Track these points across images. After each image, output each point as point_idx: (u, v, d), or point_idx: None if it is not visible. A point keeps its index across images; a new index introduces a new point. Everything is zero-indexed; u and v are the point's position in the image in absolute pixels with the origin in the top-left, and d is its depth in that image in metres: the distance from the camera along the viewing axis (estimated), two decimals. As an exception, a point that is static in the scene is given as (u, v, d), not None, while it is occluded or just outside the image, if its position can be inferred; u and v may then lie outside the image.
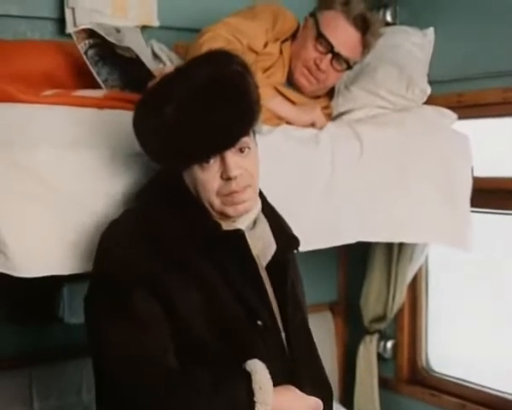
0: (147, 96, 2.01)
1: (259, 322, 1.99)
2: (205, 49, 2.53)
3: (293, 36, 3.03)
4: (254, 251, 2.03)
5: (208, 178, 1.94)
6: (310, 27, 2.94)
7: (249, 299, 1.98)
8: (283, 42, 3.00)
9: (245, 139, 1.94)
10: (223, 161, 1.92)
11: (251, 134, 1.99)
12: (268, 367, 1.90)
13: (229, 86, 1.91)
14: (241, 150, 1.95)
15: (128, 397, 1.85)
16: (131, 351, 1.86)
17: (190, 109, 1.87)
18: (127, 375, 1.86)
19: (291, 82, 3.00)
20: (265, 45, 2.92)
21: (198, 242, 1.97)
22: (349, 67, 2.97)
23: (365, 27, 2.91)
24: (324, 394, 2.15)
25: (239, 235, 2.01)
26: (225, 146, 1.91)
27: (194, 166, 1.94)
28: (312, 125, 2.78)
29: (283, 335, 2.06)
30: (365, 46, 2.97)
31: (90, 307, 1.99)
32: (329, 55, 2.90)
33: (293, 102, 2.89)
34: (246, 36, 2.79)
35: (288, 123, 2.76)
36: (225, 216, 2.00)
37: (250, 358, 1.88)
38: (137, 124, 2.00)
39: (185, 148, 1.90)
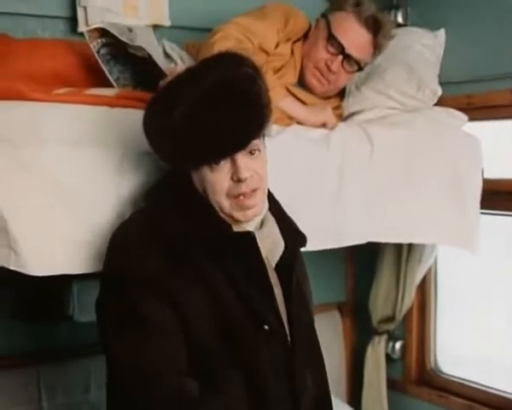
0: (157, 97, 2.01)
1: (266, 326, 1.99)
2: (216, 48, 2.55)
3: (305, 36, 3.02)
4: (263, 251, 2.03)
5: (218, 179, 1.94)
6: (321, 28, 2.94)
7: (256, 303, 1.99)
8: (295, 42, 2.99)
9: (255, 142, 1.95)
10: (233, 163, 1.92)
11: (261, 137, 1.99)
12: (271, 372, 1.95)
13: (239, 89, 1.91)
14: (252, 153, 1.95)
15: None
16: (143, 364, 1.88)
17: (201, 112, 1.87)
18: (137, 390, 1.89)
19: (302, 83, 2.99)
20: (277, 46, 2.91)
21: (207, 243, 1.97)
22: (360, 68, 2.96)
23: (377, 29, 2.90)
24: (323, 395, 2.20)
25: (250, 237, 2.01)
26: (236, 149, 1.91)
27: (204, 167, 1.94)
28: (323, 125, 2.78)
29: (289, 337, 2.06)
30: (376, 47, 2.96)
31: (101, 310, 2.01)
32: (340, 57, 2.89)
33: (304, 103, 2.88)
34: (257, 36, 2.79)
35: (299, 123, 2.76)
36: (234, 219, 2.00)
37: (253, 363, 1.92)
38: (147, 124, 2.00)
39: (195, 150, 1.91)
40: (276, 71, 2.89)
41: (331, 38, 2.89)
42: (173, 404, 1.88)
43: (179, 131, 1.89)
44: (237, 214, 1.98)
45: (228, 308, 1.95)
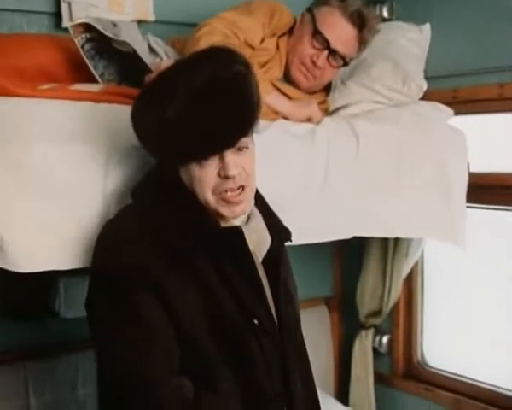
0: (147, 92, 1.99)
1: (255, 321, 1.99)
2: (202, 43, 2.57)
3: (290, 31, 3.03)
4: (250, 246, 2.03)
5: (205, 175, 1.93)
6: (306, 23, 2.94)
7: (246, 298, 1.99)
8: (280, 37, 3.00)
9: (244, 139, 1.95)
10: (221, 160, 1.92)
11: (250, 134, 1.98)
12: (264, 367, 1.96)
13: (231, 87, 1.90)
14: (240, 149, 1.95)
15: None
16: (140, 364, 1.88)
17: (192, 110, 1.86)
18: (135, 390, 1.88)
19: (287, 77, 2.99)
20: (262, 40, 2.92)
21: (197, 239, 1.96)
22: (345, 63, 2.97)
23: (362, 23, 2.92)
24: (310, 394, 2.21)
25: (237, 232, 2.00)
26: (225, 146, 1.91)
27: (192, 163, 1.93)
28: (309, 119, 2.78)
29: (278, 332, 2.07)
30: (362, 42, 2.97)
31: (93, 309, 1.99)
32: (326, 52, 2.90)
33: (289, 97, 2.89)
34: (243, 31, 2.79)
35: (285, 118, 2.76)
36: (220, 215, 1.99)
37: (246, 359, 1.93)
38: (136, 118, 1.99)
39: (185, 147, 1.90)
40: (262, 66, 2.89)
41: (316, 34, 2.89)
42: (172, 404, 1.87)
43: (170, 128, 1.88)
44: (224, 210, 1.97)
45: (221, 305, 1.95)
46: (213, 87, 1.87)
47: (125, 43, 2.46)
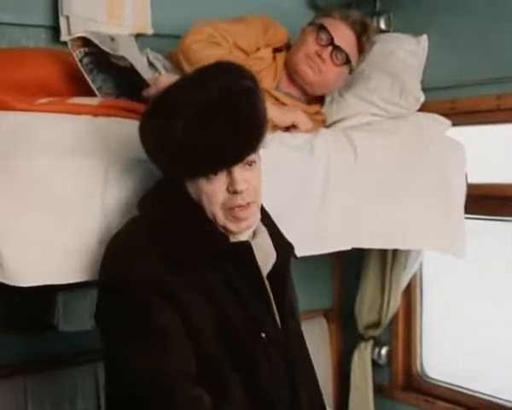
0: (155, 107, 1.98)
1: (263, 334, 2.00)
2: (187, 41, 2.73)
3: (288, 48, 3.10)
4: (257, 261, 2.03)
5: (214, 190, 1.93)
6: (309, 30, 3.01)
7: (255, 311, 1.99)
8: (277, 51, 3.06)
9: (252, 154, 1.95)
10: (229, 175, 1.92)
11: (259, 148, 1.98)
12: (271, 381, 1.97)
13: (240, 103, 1.89)
14: (248, 164, 1.95)
15: None
16: (160, 374, 1.86)
17: (201, 125, 1.86)
18: (157, 401, 1.87)
19: (281, 89, 3.04)
20: (257, 50, 3.00)
21: (206, 253, 1.96)
22: (349, 64, 3.01)
23: (361, 31, 3.00)
24: (318, 406, 2.23)
25: (246, 247, 2.01)
26: (234, 162, 1.91)
27: (200, 178, 1.93)
28: (294, 126, 2.80)
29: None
30: (361, 50, 3.04)
31: (105, 321, 1.98)
32: (330, 48, 2.95)
33: (285, 105, 2.94)
34: (231, 34, 2.87)
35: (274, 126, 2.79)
36: (227, 230, 1.99)
37: (254, 372, 1.93)
38: (144, 134, 1.98)
39: (193, 162, 1.90)
40: (257, 73, 2.91)
41: (321, 30, 2.97)
42: None
43: (178, 143, 1.88)
44: (231, 226, 1.97)
45: (230, 318, 1.95)
46: (221, 102, 1.87)
47: (122, 58, 2.46)
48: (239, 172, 1.92)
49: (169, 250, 1.93)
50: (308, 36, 3.00)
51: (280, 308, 2.09)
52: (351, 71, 3.07)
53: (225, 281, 1.97)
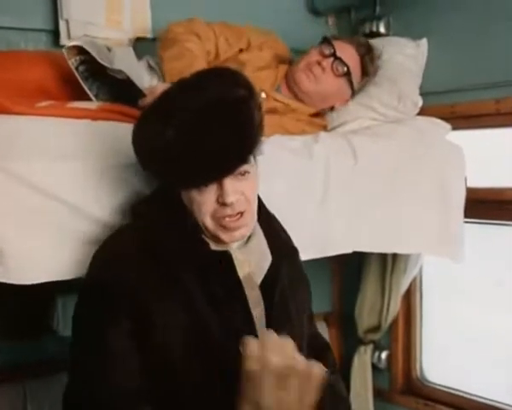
0: (147, 115, 1.95)
1: (241, 348, 1.95)
2: (169, 32, 2.84)
3: (290, 63, 3.15)
4: (247, 268, 2.00)
5: (205, 200, 1.90)
6: (314, 47, 3.09)
7: (234, 324, 1.94)
8: (280, 63, 3.11)
9: (245, 165, 1.91)
10: (220, 186, 1.88)
11: (251, 159, 1.95)
12: None
13: (231, 114, 1.85)
14: (241, 174, 1.91)
15: None
16: (97, 385, 1.85)
17: (191, 136, 1.82)
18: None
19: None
20: (261, 48, 3.05)
21: (187, 261, 1.94)
22: (348, 74, 3.04)
23: (365, 51, 3.11)
24: None
25: (226, 257, 1.97)
26: (223, 174, 1.88)
27: (192, 188, 1.92)
28: None
29: None
30: (363, 71, 3.12)
31: (74, 318, 1.99)
32: (331, 59, 3.01)
33: (284, 104, 2.98)
34: (220, 30, 2.94)
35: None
36: (219, 239, 1.97)
37: (229, 385, 1.79)
38: (137, 143, 1.96)
39: (183, 173, 1.88)
40: (258, 69, 2.98)
41: (325, 41, 3.04)
42: None
43: (168, 153, 1.85)
44: (223, 236, 1.95)
45: (206, 328, 1.91)
46: (212, 113, 1.83)
47: (119, 71, 2.45)
48: (230, 183, 1.89)
49: (152, 258, 1.91)
50: (312, 49, 3.06)
51: (268, 315, 2.03)
52: (352, 91, 3.12)
53: (205, 291, 1.92)
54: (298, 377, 1.66)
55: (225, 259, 1.97)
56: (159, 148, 1.86)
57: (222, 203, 1.89)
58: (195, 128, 1.83)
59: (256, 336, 1.93)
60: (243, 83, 1.92)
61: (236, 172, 1.89)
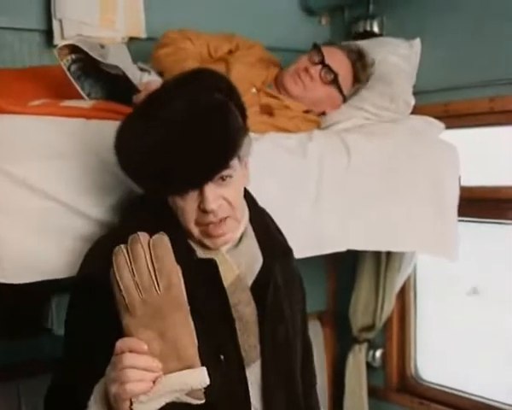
0: (129, 120, 1.93)
1: (222, 356, 1.91)
2: (165, 34, 2.89)
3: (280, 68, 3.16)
4: (236, 270, 1.98)
5: (187, 207, 1.87)
6: (304, 54, 3.08)
7: (215, 331, 1.91)
8: (271, 65, 3.13)
9: (226, 170, 1.87)
10: (201, 193, 1.85)
11: (234, 163, 1.89)
12: (228, 402, 1.89)
13: (209, 119, 1.81)
14: (223, 178, 1.87)
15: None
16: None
17: (167, 143, 1.79)
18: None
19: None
20: (250, 48, 3.07)
21: None
22: (336, 80, 3.03)
23: (357, 58, 3.10)
24: None
25: (210, 265, 1.94)
26: (202, 182, 1.83)
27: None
28: None
29: (259, 361, 2.01)
30: (355, 78, 3.12)
31: (65, 316, 2.04)
32: (320, 66, 3.00)
33: (276, 98, 2.98)
34: (213, 37, 2.99)
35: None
36: (204, 246, 1.95)
37: (207, 394, 1.73)
38: (118, 148, 1.92)
39: (162, 180, 1.84)
40: (249, 65, 3.02)
41: (314, 48, 3.03)
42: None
43: (147, 160, 1.82)
44: (207, 242, 1.93)
45: None
46: (189, 119, 1.80)
47: (113, 66, 2.44)
48: (210, 189, 1.85)
49: None
50: (302, 56, 3.07)
51: (259, 317, 2.01)
52: (344, 98, 3.12)
53: (188, 298, 1.81)
54: None
55: (210, 267, 1.94)
56: (136, 155, 1.84)
57: (203, 210, 1.86)
58: (172, 136, 1.79)
59: (237, 344, 1.94)
60: (222, 86, 1.89)
61: (217, 178, 1.85)
